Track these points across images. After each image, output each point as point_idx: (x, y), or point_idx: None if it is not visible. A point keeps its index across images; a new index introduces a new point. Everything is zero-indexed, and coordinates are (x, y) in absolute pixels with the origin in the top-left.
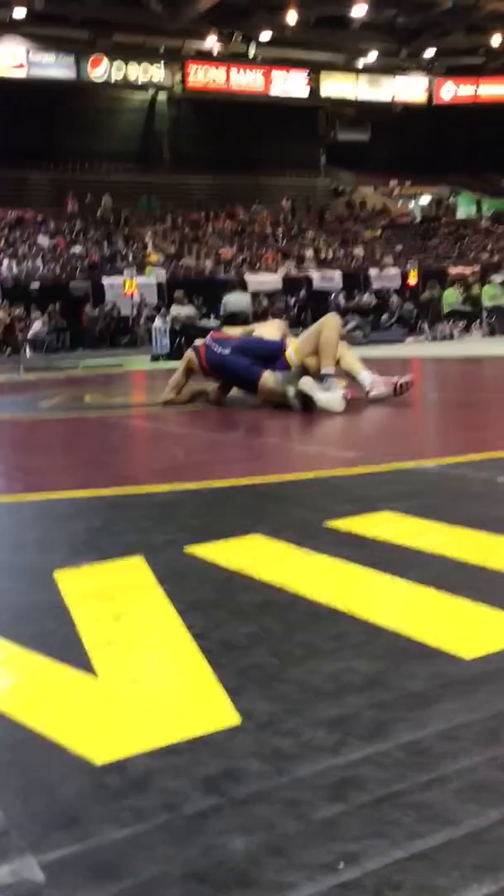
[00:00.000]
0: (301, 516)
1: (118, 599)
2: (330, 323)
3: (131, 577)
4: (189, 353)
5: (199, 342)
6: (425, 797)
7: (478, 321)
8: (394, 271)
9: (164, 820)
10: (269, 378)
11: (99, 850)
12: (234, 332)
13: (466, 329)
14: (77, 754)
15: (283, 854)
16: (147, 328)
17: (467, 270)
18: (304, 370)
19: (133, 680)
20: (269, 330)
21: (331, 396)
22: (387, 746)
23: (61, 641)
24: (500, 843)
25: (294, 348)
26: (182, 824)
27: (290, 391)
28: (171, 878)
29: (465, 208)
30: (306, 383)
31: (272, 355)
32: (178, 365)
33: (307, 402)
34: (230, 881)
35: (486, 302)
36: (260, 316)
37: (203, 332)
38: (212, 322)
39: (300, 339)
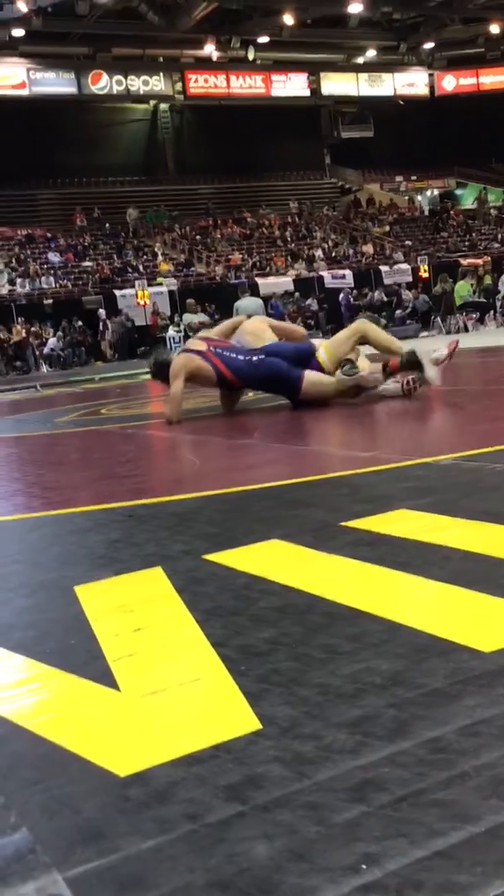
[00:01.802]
0: (317, 518)
1: (138, 611)
2: (369, 325)
3: (150, 588)
4: (194, 361)
5: (194, 345)
6: (446, 795)
7: (492, 312)
8: (405, 266)
9: (187, 830)
10: (312, 375)
11: (123, 864)
12: (221, 337)
13: (480, 321)
14: (101, 767)
15: (306, 858)
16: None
17: (479, 261)
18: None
19: (154, 691)
20: (255, 325)
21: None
22: (407, 745)
23: (83, 656)
24: None
25: (326, 351)
26: (205, 833)
27: (345, 370)
28: (195, 888)
29: (470, 199)
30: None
31: (304, 357)
32: (175, 377)
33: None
34: (253, 888)
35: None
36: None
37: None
38: None
39: (331, 343)
